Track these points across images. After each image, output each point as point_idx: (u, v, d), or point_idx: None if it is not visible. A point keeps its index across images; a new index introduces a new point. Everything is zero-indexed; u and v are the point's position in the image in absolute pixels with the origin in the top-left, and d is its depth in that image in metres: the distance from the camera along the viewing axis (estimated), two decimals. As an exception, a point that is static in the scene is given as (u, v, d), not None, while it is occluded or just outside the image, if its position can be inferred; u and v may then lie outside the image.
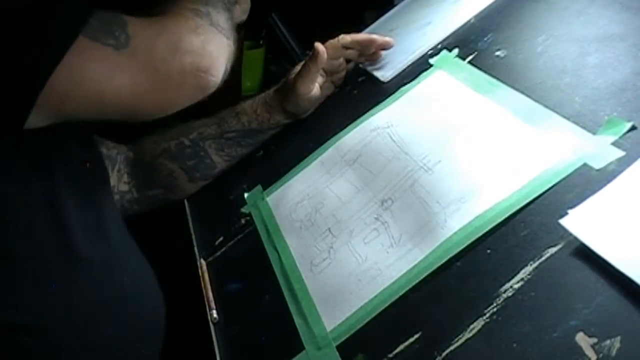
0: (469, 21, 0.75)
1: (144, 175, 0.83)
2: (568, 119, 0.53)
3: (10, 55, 0.51)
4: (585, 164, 0.48)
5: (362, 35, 0.82)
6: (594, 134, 0.50)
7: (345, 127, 0.74)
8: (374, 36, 0.81)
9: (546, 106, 0.55)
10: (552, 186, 0.49)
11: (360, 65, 0.85)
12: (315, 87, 0.81)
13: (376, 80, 0.79)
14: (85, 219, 0.63)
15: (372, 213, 0.61)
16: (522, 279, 0.45)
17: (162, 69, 0.58)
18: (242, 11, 0.74)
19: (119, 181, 0.81)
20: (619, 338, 0.38)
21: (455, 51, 0.71)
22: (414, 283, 0.51)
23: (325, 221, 0.64)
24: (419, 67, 0.74)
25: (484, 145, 0.57)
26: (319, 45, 0.77)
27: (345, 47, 0.81)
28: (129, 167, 0.83)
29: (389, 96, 0.73)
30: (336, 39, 0.81)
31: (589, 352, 0.38)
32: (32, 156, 0.60)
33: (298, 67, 0.81)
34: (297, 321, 0.57)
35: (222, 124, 0.83)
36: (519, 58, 0.63)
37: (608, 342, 0.38)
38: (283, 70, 1.24)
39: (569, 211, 0.45)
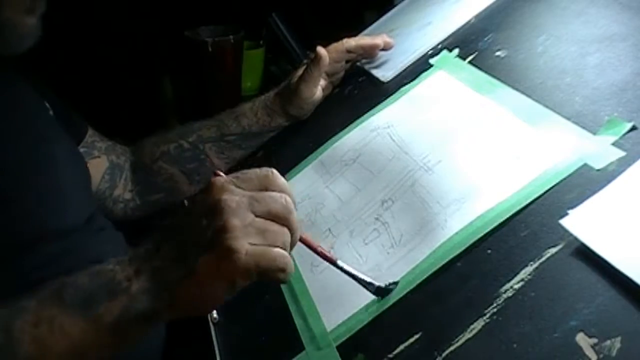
0: (469, 21, 0.75)
1: (145, 180, 0.84)
2: (568, 119, 0.53)
3: None
4: (585, 164, 0.48)
5: (366, 40, 0.82)
6: (595, 134, 0.50)
7: (345, 127, 0.74)
8: (377, 41, 0.81)
9: (546, 106, 0.55)
10: (553, 186, 0.49)
11: (359, 64, 0.85)
12: (318, 89, 0.81)
13: (376, 80, 0.79)
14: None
15: (372, 213, 0.61)
16: (522, 279, 0.45)
17: None
18: None
19: (124, 190, 0.82)
20: (619, 338, 0.37)
21: (456, 51, 0.70)
22: (414, 284, 0.51)
23: (325, 221, 0.64)
24: (419, 67, 0.74)
25: (485, 145, 0.57)
26: (321, 50, 0.78)
27: (349, 50, 0.81)
28: (132, 172, 0.83)
29: (389, 96, 0.73)
30: (340, 42, 0.81)
31: (589, 353, 0.38)
32: None
33: (300, 71, 0.81)
34: (297, 321, 0.57)
35: (221, 127, 0.83)
36: (519, 58, 0.63)
37: (608, 342, 0.38)
38: (283, 71, 1.24)
39: (569, 211, 0.45)
